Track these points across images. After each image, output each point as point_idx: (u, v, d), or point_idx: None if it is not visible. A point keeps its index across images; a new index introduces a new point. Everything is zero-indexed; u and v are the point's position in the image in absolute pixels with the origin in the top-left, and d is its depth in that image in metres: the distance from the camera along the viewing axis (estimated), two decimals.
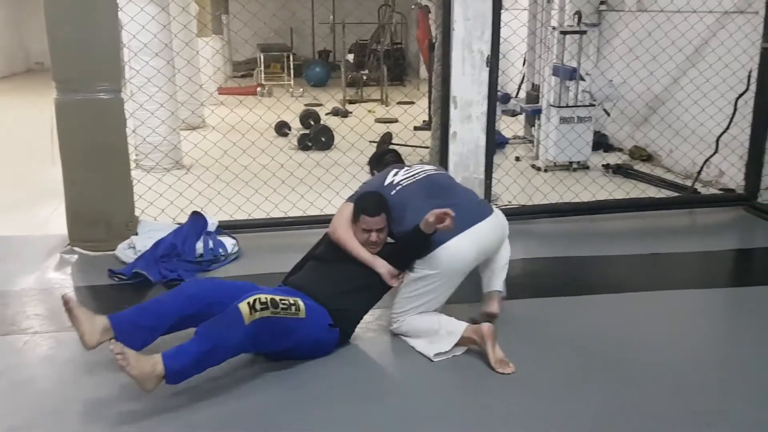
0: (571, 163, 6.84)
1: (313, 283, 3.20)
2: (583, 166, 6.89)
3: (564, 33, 6.95)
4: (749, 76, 5.46)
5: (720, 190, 5.97)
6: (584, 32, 6.91)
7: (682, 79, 6.41)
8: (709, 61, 5.93)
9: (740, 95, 5.53)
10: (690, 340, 3.49)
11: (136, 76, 5.44)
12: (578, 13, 7.03)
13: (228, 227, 4.78)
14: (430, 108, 7.92)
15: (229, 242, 4.54)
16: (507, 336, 3.38)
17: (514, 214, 5.22)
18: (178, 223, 4.68)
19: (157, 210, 4.92)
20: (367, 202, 3.33)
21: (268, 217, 5.02)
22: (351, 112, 10.13)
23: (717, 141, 5.75)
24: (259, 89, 11.80)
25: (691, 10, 6.08)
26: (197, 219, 4.57)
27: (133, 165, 4.93)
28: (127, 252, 4.40)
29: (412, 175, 3.52)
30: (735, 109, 5.57)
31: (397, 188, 3.44)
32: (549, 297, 3.92)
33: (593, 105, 6.87)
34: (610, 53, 6.72)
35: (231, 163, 5.48)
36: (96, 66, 4.35)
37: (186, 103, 6.42)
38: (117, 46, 4.46)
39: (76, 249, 4.57)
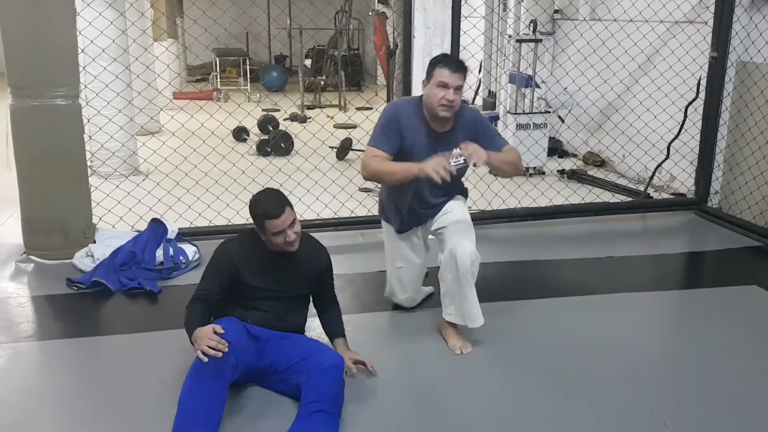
0: (527, 168, 6.97)
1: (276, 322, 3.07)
2: (540, 172, 7.03)
3: (520, 41, 7.09)
4: (698, 84, 5.65)
5: (672, 194, 6.17)
6: (539, 41, 7.06)
7: (635, 87, 6.60)
8: (661, 70, 6.12)
9: (690, 103, 5.73)
10: (645, 340, 3.61)
11: (94, 82, 5.34)
12: (534, 22, 7.17)
13: (188, 234, 4.74)
14: None
15: (189, 249, 4.50)
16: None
17: (474, 219, 5.29)
18: (137, 231, 4.62)
19: (115, 217, 4.85)
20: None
21: (229, 223, 4.99)
22: (310, 118, 10.12)
23: (668, 147, 5.94)
24: (215, 94, 11.71)
25: (643, 19, 6.26)
26: (157, 226, 4.52)
27: (89, 172, 4.84)
28: (85, 260, 4.33)
29: None
30: (685, 116, 5.76)
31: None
32: (507, 301, 3.99)
33: (549, 112, 7.03)
34: (564, 61, 6.87)
35: (191, 169, 5.43)
36: (53, 71, 4.28)
37: (144, 109, 6.34)
38: (74, 52, 4.38)
39: (32, 258, 4.47)
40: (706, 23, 5.64)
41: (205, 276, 3.00)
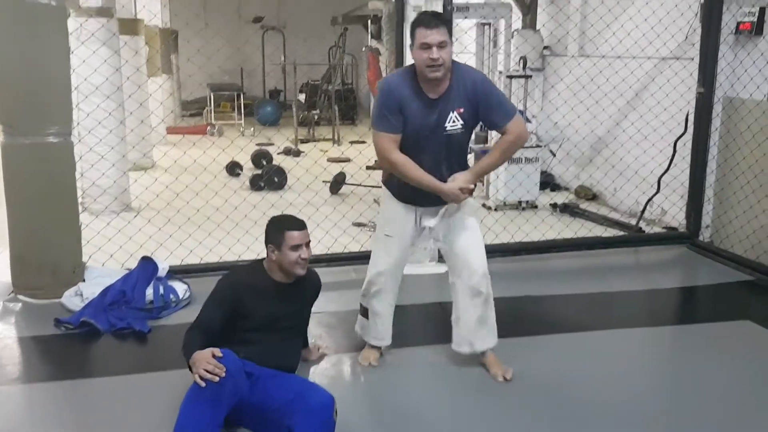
0: (520, 202, 7.00)
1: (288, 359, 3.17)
2: (532, 206, 7.06)
3: (510, 77, 7.17)
4: (687, 119, 5.70)
5: (663, 228, 6.18)
6: (529, 77, 7.15)
7: (624, 122, 6.66)
8: (649, 105, 6.19)
9: (679, 137, 5.78)
10: (640, 377, 3.58)
11: (87, 119, 5.36)
12: (523, 59, 7.26)
13: (179, 272, 4.71)
14: None
15: (180, 287, 4.47)
16: (459, 377, 3.44)
17: None
18: (128, 269, 4.59)
19: (106, 255, 4.82)
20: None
21: (220, 260, 4.96)
22: (303, 152, 10.16)
23: (659, 181, 5.97)
24: (209, 128, 11.75)
25: (630, 56, 6.34)
26: (147, 264, 4.49)
27: (80, 209, 4.83)
28: (73, 300, 4.29)
29: None
30: (674, 151, 5.81)
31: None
32: (501, 338, 3.95)
33: (540, 146, 7.08)
34: (554, 97, 6.95)
35: (183, 205, 5.42)
36: (46, 109, 4.30)
37: (137, 145, 6.35)
38: (67, 89, 4.41)
39: (21, 297, 4.42)
40: (693, 59, 5.71)
41: (207, 306, 3.04)
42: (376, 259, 3.62)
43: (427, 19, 3.12)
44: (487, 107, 3.25)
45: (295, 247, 3.04)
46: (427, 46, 3.08)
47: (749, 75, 5.21)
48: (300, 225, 3.12)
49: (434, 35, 3.06)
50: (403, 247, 3.54)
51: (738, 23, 5.26)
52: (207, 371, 2.60)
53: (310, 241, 3.15)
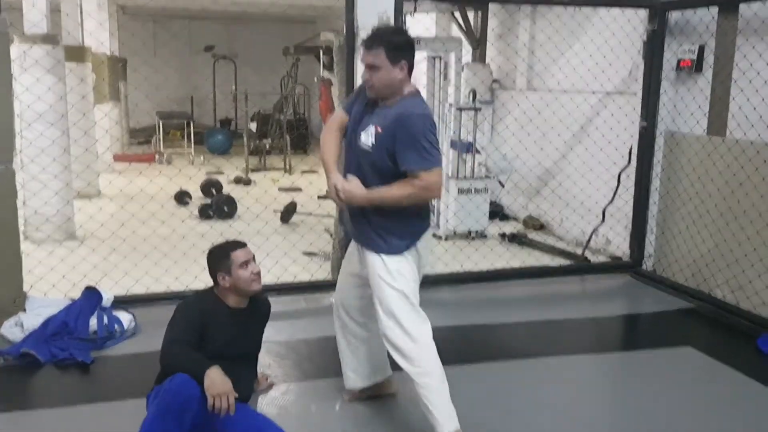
0: (470, 232, 7.08)
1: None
2: (482, 235, 7.14)
3: (460, 110, 7.30)
4: (630, 152, 5.89)
5: (608, 257, 6.33)
6: (479, 109, 7.28)
7: (570, 154, 6.83)
8: (594, 138, 6.37)
9: (623, 169, 5.95)
10: (585, 403, 3.64)
11: (30, 147, 5.23)
12: (473, 92, 7.41)
13: (124, 302, 4.59)
14: None
15: (125, 318, 4.36)
16: (405, 406, 3.43)
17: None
18: (71, 299, 4.47)
19: (48, 285, 4.68)
20: None
21: (167, 290, 4.87)
22: (254, 181, 10.10)
23: (603, 212, 6.13)
24: (157, 157, 11.59)
25: (576, 90, 6.54)
26: (91, 294, 4.38)
27: (22, 237, 4.69)
28: (14, 330, 4.15)
29: None
30: (618, 182, 5.98)
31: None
32: (450, 365, 3.93)
33: (489, 177, 7.20)
34: (503, 130, 7.10)
35: (129, 234, 5.31)
36: None
37: (82, 173, 6.22)
38: (9, 117, 4.30)
39: None
40: (635, 94, 5.91)
41: (176, 325, 3.02)
42: None
43: (367, 38, 2.98)
44: (402, 141, 2.90)
45: (245, 264, 3.11)
46: (364, 66, 3.00)
47: (690, 110, 5.42)
48: (240, 243, 3.21)
49: (367, 56, 2.95)
50: (347, 283, 3.37)
51: (679, 60, 5.47)
52: (221, 403, 2.69)
53: (254, 255, 3.21)
